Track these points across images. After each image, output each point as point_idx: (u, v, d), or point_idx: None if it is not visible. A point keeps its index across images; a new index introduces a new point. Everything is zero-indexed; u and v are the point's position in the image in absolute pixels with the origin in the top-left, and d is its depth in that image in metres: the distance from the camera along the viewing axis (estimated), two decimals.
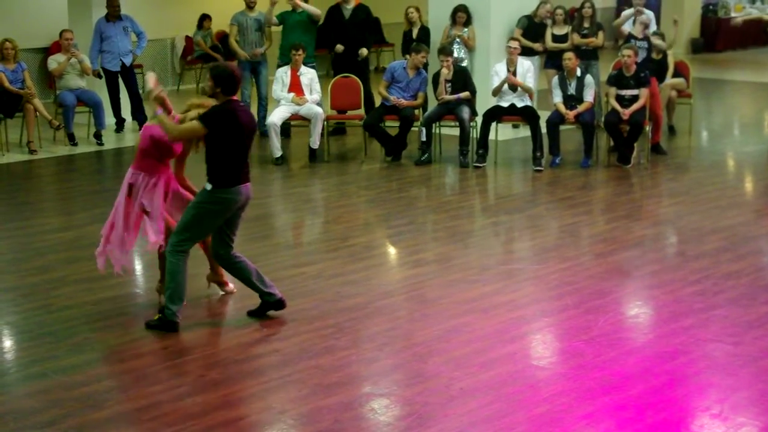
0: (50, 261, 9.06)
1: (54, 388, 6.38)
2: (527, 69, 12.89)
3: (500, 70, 12.90)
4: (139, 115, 15.06)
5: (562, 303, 7.89)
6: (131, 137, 14.87)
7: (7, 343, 7.29)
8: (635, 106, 12.39)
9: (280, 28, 14.44)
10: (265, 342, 7.14)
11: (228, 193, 7.25)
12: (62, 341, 7.12)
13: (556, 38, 14.39)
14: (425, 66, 13.40)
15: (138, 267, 8.99)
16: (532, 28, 14.42)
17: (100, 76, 14.79)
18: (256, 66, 14.58)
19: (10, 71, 13.68)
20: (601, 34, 14.25)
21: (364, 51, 14.48)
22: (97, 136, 14.24)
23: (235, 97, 7.29)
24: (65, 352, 6.92)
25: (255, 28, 14.53)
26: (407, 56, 13.45)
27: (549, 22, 14.48)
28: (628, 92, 12.49)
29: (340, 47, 14.48)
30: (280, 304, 7.56)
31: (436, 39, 14.35)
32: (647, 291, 8.36)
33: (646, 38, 13.82)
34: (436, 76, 13.03)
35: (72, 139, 14.10)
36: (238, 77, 7.25)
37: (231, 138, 7.19)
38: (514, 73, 12.82)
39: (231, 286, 8.04)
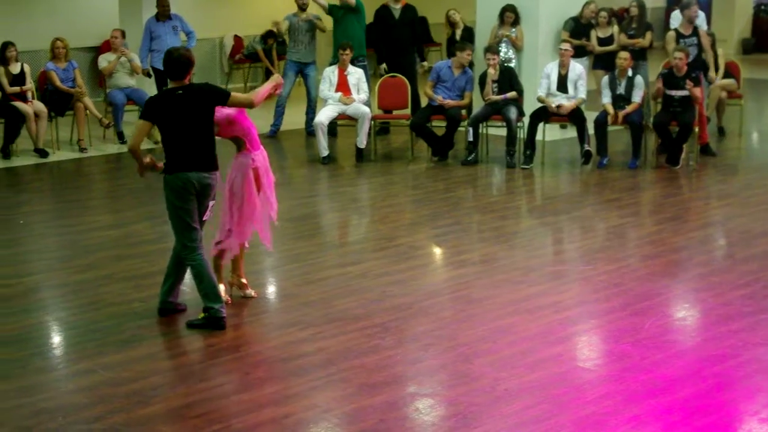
0: (99, 258, 9.13)
1: (101, 384, 6.42)
2: (579, 74, 12.77)
3: (551, 72, 12.84)
4: None
5: (609, 305, 7.84)
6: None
7: (56, 340, 7.36)
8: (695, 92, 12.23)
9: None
10: (310, 341, 7.15)
11: (175, 179, 7.21)
12: (110, 338, 7.17)
13: (602, 41, 14.32)
14: (471, 66, 13.37)
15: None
16: (578, 29, 14.35)
17: (149, 75, 14.89)
18: (304, 68, 14.62)
19: (62, 70, 13.82)
20: (648, 34, 14.14)
21: (425, 65, 14.66)
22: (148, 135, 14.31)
23: (180, 82, 7.23)
24: (113, 349, 6.97)
25: (305, 29, 14.55)
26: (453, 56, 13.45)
27: (594, 23, 14.41)
28: (678, 93, 12.38)
29: (384, 66, 14.50)
30: (163, 313, 7.56)
31: (483, 39, 14.32)
32: (695, 293, 8.28)
33: (695, 33, 13.69)
34: (483, 77, 13.00)
35: (121, 138, 14.20)
36: (183, 61, 7.19)
37: (163, 125, 7.24)
38: (566, 77, 12.74)
39: (251, 290, 8.01)
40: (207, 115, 7.25)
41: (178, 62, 7.25)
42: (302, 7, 14.60)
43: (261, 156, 7.70)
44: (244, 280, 7.97)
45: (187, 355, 6.93)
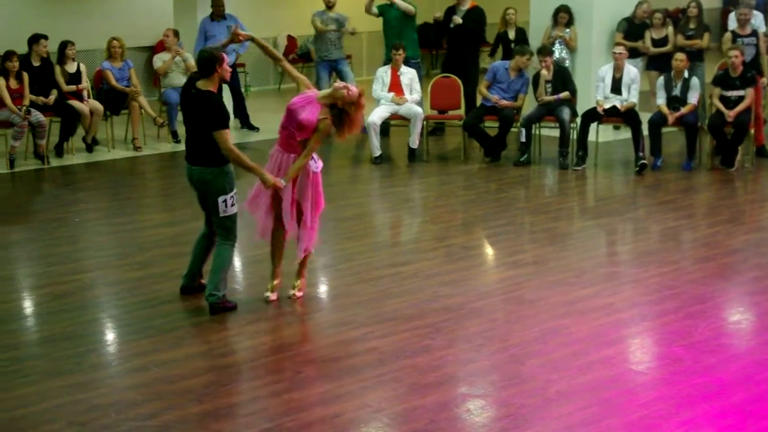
0: (153, 256, 9.21)
1: (155, 381, 6.48)
2: (633, 78, 12.68)
3: (606, 75, 12.76)
4: (241, 113, 15.24)
5: (662, 307, 7.78)
6: (233, 135, 14.97)
7: (110, 336, 7.44)
8: (740, 107, 12.17)
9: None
10: (362, 340, 7.17)
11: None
12: (164, 335, 7.23)
13: (656, 42, 14.22)
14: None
15: (237, 263, 9.09)
16: (632, 30, 14.25)
17: None
18: (336, 65, 14.63)
19: (117, 69, 13.95)
20: (706, 35, 14.03)
21: (456, 19, 14.49)
22: None
23: (205, 80, 7.51)
24: (167, 346, 7.03)
25: (333, 27, 14.57)
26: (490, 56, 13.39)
27: (648, 23, 14.30)
28: (734, 93, 12.27)
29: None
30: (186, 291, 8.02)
31: (536, 40, 14.27)
32: (750, 297, 8.20)
33: (754, 33, 13.55)
34: (537, 77, 12.96)
35: (175, 136, 14.30)
36: (205, 60, 7.48)
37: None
38: (620, 80, 12.67)
39: (296, 293, 8.05)
40: (203, 123, 7.51)
41: (201, 60, 7.57)
42: (328, 5, 14.62)
43: (320, 161, 7.83)
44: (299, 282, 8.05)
45: (238, 353, 6.98)
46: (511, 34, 14.68)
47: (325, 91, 7.71)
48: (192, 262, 8.01)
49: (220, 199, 7.53)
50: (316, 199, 7.79)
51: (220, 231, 7.67)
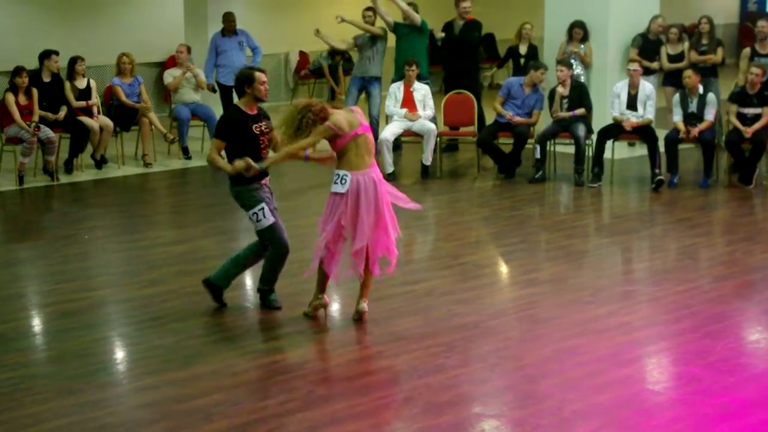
0: (163, 274, 9.23)
1: (165, 400, 6.49)
2: (648, 94, 12.67)
3: (621, 92, 12.75)
4: None
5: (680, 326, 7.77)
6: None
7: (120, 355, 7.45)
8: (758, 125, 12.16)
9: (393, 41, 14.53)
10: (375, 359, 7.17)
11: None
12: (174, 354, 7.24)
13: (672, 58, 14.23)
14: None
15: (248, 282, 9.11)
16: (647, 45, 14.26)
17: (214, 90, 15.04)
18: (368, 85, 14.57)
19: (127, 85, 14.00)
20: (719, 50, 14.03)
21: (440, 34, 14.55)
22: None
23: (241, 99, 7.90)
24: (176, 365, 7.04)
25: (370, 45, 14.54)
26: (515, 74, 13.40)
27: (663, 38, 14.31)
28: (750, 111, 12.27)
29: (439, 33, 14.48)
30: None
31: (551, 55, 14.28)
32: None
33: None
34: (552, 93, 12.96)
35: (186, 153, 14.35)
36: (239, 79, 7.86)
37: None
38: (635, 97, 12.66)
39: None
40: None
41: (235, 81, 7.97)
42: (368, 21, 14.61)
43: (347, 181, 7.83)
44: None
45: (249, 372, 6.98)
46: (523, 49, 14.70)
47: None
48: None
49: (250, 213, 7.83)
50: (334, 224, 7.66)
51: (268, 244, 7.96)
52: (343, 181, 7.56)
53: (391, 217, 7.82)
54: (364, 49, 14.59)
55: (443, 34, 14.44)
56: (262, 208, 7.79)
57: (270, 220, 7.83)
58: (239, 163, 7.67)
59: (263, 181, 7.91)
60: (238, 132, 7.79)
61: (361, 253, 7.66)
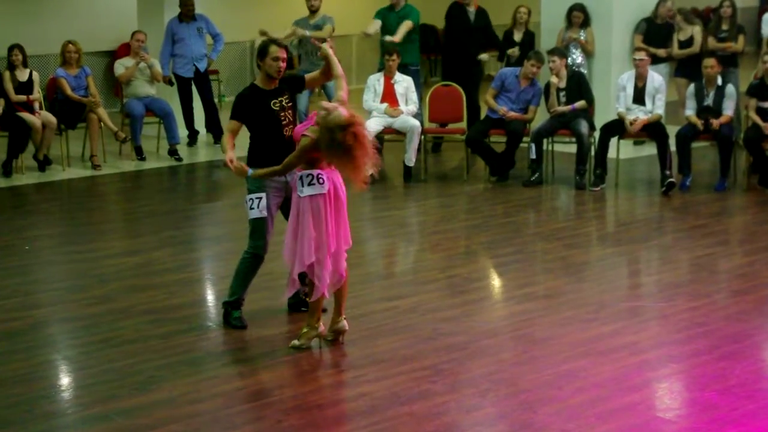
0: (114, 289, 9.21)
1: (116, 431, 6.48)
2: (658, 87, 12.70)
3: (627, 84, 12.78)
4: (214, 127, 15.27)
5: (693, 347, 7.80)
6: (205, 152, 15.09)
7: (65, 381, 7.43)
8: None
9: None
10: (352, 385, 7.17)
11: None
12: (126, 379, 7.23)
13: (681, 44, 14.29)
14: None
15: (210, 298, 9.11)
16: (653, 31, 14.30)
17: (171, 83, 15.04)
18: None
19: (73, 77, 13.97)
20: (741, 37, 14.12)
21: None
22: (173, 152, 14.42)
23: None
24: (129, 392, 7.02)
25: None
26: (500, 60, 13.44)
27: (676, 27, 14.36)
28: None
29: (515, 51, 14.57)
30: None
31: (548, 43, 14.31)
32: None
33: None
34: (548, 86, 12.98)
35: (139, 153, 14.34)
36: (259, 51, 8.07)
37: None
38: (643, 89, 12.70)
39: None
40: None
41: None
42: (312, 10, 14.47)
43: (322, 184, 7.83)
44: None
45: (212, 400, 6.97)
46: (518, 36, 14.73)
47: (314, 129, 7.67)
48: None
49: (246, 198, 7.98)
50: (302, 229, 7.63)
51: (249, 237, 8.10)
52: (321, 181, 7.55)
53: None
54: (306, 43, 14.34)
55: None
56: (260, 198, 7.90)
57: (260, 213, 7.90)
58: (237, 165, 7.80)
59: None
60: (254, 111, 7.98)
61: (341, 257, 7.73)
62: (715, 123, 12.28)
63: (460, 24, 14.65)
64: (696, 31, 14.36)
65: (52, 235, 11.22)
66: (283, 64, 7.96)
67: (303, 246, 7.57)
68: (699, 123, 12.39)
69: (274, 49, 7.92)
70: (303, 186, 7.55)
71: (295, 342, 7.75)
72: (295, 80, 8.22)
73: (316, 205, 7.57)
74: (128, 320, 8.37)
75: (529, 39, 14.64)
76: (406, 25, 14.12)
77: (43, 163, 13.56)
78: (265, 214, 7.93)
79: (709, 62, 12.52)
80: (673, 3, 14.49)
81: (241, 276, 8.14)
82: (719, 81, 12.50)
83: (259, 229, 7.99)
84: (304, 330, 7.76)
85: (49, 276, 9.82)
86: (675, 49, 14.34)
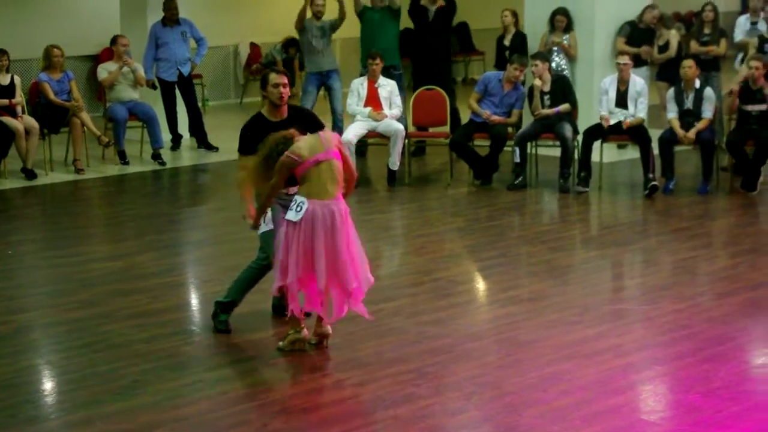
0: (97, 293, 9.18)
1: None
2: (640, 90, 12.73)
3: (610, 88, 12.79)
4: (197, 131, 15.25)
5: (677, 349, 7.80)
6: (189, 156, 15.06)
7: (48, 386, 7.40)
8: None
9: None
10: (337, 388, 7.15)
11: None
12: (109, 383, 7.19)
13: (660, 49, 14.35)
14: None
15: (194, 302, 9.08)
16: (636, 35, 14.34)
17: (155, 87, 15.01)
18: (326, 79, 14.59)
19: (56, 81, 13.93)
20: (723, 41, 14.17)
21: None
22: (156, 156, 14.39)
23: None
24: (112, 396, 6.99)
25: (320, 35, 14.53)
26: (496, 68, 13.43)
27: (657, 31, 14.39)
28: (755, 107, 12.35)
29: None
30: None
31: (532, 47, 14.32)
32: None
33: None
34: (532, 89, 12.99)
35: (123, 158, 14.31)
36: (260, 81, 7.95)
37: None
38: (625, 93, 12.72)
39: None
40: None
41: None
42: (317, 16, 14.56)
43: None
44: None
45: (196, 404, 6.94)
46: (507, 40, 14.71)
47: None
48: None
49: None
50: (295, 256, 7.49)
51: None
52: (299, 209, 7.37)
53: (361, 260, 7.68)
54: (313, 41, 14.49)
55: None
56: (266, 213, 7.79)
57: (267, 227, 7.86)
58: (255, 220, 7.77)
59: (290, 190, 7.74)
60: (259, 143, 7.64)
61: (318, 293, 7.53)
62: (689, 135, 12.32)
63: (418, 22, 14.60)
64: (672, 35, 14.41)
65: (36, 239, 11.18)
66: (284, 90, 7.75)
67: (275, 268, 7.59)
68: (679, 130, 12.39)
69: (272, 77, 7.76)
70: (288, 209, 7.48)
71: (280, 344, 7.75)
72: (309, 119, 7.92)
73: (288, 231, 7.46)
74: (112, 324, 8.34)
75: (520, 42, 14.55)
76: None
77: (32, 172, 13.45)
78: (271, 226, 7.84)
79: (688, 63, 12.56)
80: (659, 11, 14.52)
81: (241, 282, 8.11)
82: (697, 84, 12.52)
83: (267, 242, 7.92)
84: (289, 333, 7.74)
85: (33, 280, 9.77)
86: (655, 54, 14.38)
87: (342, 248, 7.48)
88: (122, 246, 10.81)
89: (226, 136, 15.32)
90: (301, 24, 14.51)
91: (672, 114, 12.60)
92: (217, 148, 15.08)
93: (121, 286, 9.35)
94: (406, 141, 13.35)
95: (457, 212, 12.12)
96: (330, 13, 14.57)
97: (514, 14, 14.73)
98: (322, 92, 14.88)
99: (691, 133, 12.35)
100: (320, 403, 6.95)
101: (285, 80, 7.79)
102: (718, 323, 8.31)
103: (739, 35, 14.84)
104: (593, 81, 13.93)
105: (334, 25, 14.53)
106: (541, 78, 12.89)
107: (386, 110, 13.22)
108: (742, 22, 15.08)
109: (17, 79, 13.70)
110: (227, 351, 7.81)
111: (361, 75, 13.70)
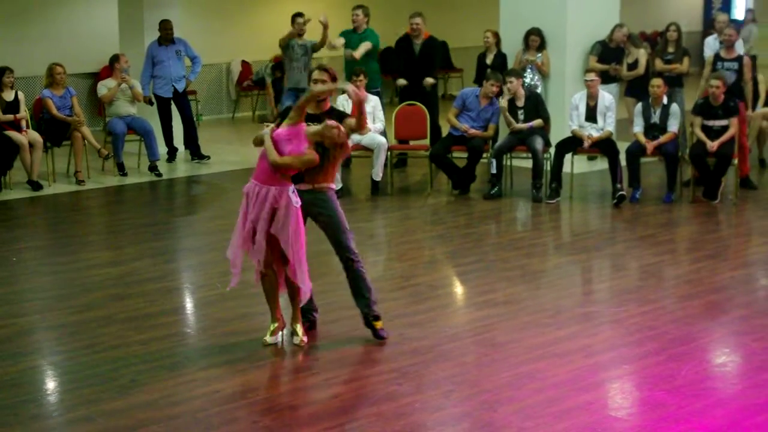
0: (97, 298, 9.15)
1: None
2: (609, 105, 12.77)
3: (580, 103, 12.83)
4: (191, 144, 15.22)
5: (643, 349, 7.81)
6: (184, 167, 15.03)
7: (51, 385, 7.37)
8: (724, 138, 12.27)
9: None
10: (323, 387, 7.14)
11: None
12: (108, 383, 7.17)
13: (629, 66, 14.39)
14: (499, 96, 13.33)
15: (188, 306, 9.06)
16: (606, 53, 14.38)
17: (151, 103, 14.99)
18: (302, 95, 14.56)
19: (58, 97, 13.89)
20: (686, 59, 14.21)
21: (429, 80, 14.53)
22: (153, 168, 14.36)
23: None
24: (111, 395, 6.97)
25: (301, 53, 14.57)
26: (476, 83, 13.45)
27: (626, 50, 14.42)
28: (716, 123, 12.38)
29: (402, 81, 14.59)
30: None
31: (508, 64, 14.35)
32: (736, 337, 8.24)
33: (738, 58, 13.70)
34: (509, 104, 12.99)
35: (121, 169, 14.27)
36: None
37: None
38: (595, 108, 12.76)
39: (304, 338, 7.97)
40: None
41: None
42: (299, 33, 14.59)
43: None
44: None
45: (190, 402, 6.93)
46: (489, 59, 14.72)
47: (316, 128, 7.60)
48: None
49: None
50: (298, 236, 7.70)
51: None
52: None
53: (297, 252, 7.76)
54: (294, 58, 14.56)
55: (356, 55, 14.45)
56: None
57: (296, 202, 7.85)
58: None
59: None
60: None
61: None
62: (651, 146, 12.36)
63: (406, 56, 14.69)
64: (641, 53, 14.45)
65: (38, 246, 11.14)
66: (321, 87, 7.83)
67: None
68: (644, 141, 12.43)
69: (315, 73, 7.87)
70: (295, 197, 7.66)
71: (265, 339, 7.83)
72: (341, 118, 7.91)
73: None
74: (110, 327, 8.32)
75: (501, 61, 14.55)
76: (365, 45, 14.27)
77: (37, 183, 13.40)
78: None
79: (656, 82, 12.61)
80: (628, 29, 14.55)
81: (356, 290, 8.15)
82: (665, 100, 12.57)
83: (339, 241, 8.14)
84: (271, 327, 7.85)
85: (35, 286, 9.73)
86: (624, 71, 14.42)
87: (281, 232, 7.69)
88: (120, 253, 10.77)
89: (218, 149, 15.28)
90: (284, 42, 14.57)
91: (638, 128, 12.64)
92: (209, 157, 15.05)
93: (120, 290, 9.33)
94: (389, 153, 13.36)
95: (437, 220, 12.12)
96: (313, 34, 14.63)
97: (496, 35, 14.73)
98: None
99: (654, 143, 12.38)
100: (307, 401, 6.95)
101: (325, 77, 7.85)
102: (682, 324, 8.33)
103: (708, 53, 14.87)
104: (564, 97, 13.95)
105: (315, 47, 14.57)
106: (515, 94, 12.91)
107: (370, 124, 13.19)
108: (711, 42, 15.16)
109: (21, 95, 13.66)
110: (219, 352, 7.79)
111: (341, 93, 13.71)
